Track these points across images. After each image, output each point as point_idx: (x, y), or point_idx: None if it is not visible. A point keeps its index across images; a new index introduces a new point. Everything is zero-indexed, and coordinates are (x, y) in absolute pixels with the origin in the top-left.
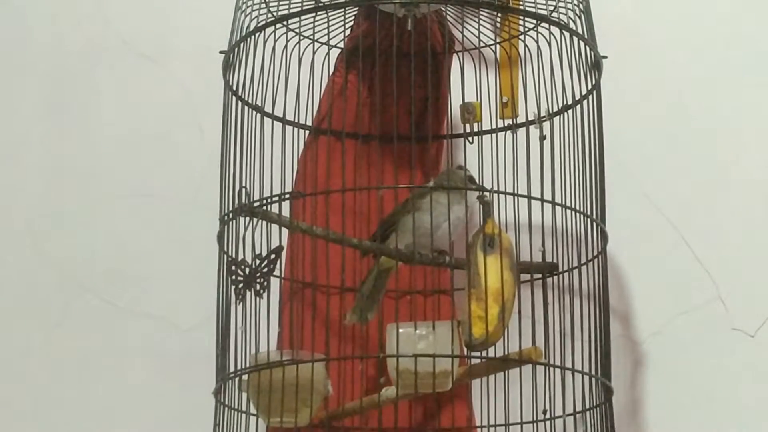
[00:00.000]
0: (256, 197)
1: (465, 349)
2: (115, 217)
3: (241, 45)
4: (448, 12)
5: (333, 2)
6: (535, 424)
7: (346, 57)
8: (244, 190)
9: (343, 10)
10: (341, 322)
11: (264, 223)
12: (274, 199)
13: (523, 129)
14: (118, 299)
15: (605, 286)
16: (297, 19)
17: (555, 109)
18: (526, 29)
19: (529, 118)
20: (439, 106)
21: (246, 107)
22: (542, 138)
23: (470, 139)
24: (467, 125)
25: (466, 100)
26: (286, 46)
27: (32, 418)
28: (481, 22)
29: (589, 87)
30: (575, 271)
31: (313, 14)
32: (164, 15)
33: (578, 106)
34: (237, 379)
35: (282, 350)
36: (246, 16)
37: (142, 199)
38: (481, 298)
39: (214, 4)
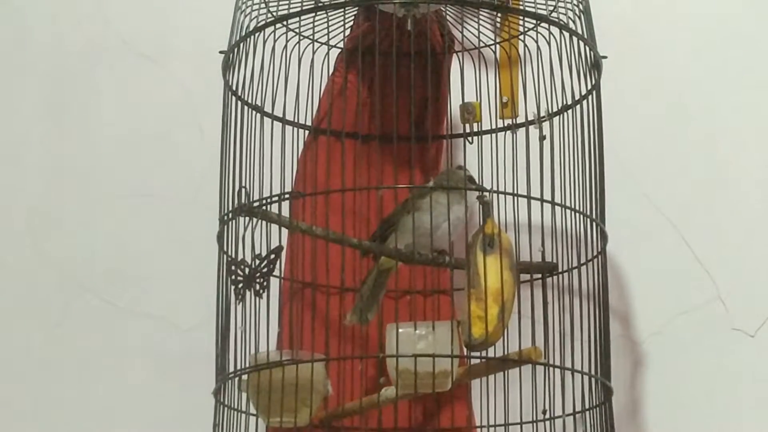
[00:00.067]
0: (256, 197)
1: (465, 349)
2: (115, 217)
3: (241, 45)
4: (447, 12)
5: (333, 2)
6: (534, 424)
7: (345, 57)
8: (243, 190)
9: (343, 10)
10: (341, 322)
11: (264, 223)
12: (274, 199)
13: (523, 129)
14: (118, 299)
15: (605, 286)
16: (297, 19)
17: (555, 109)
18: (526, 29)
19: (529, 118)
20: (439, 106)
21: (246, 107)
22: (542, 138)
23: (470, 139)
24: (467, 125)
25: (465, 100)
26: (285, 46)
27: (32, 418)
28: (481, 22)
29: (589, 87)
30: (575, 271)
31: (313, 14)
32: (164, 15)
33: (578, 106)
34: (237, 379)
35: (282, 350)
36: (246, 16)
37: (142, 199)
38: (481, 298)
39: (214, 4)
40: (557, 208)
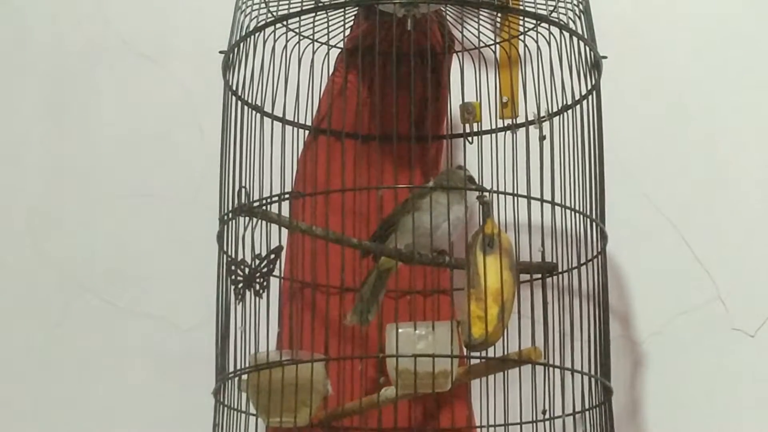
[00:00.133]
0: (256, 197)
1: (464, 349)
2: (115, 217)
3: (241, 45)
4: (447, 12)
5: (333, 2)
6: (534, 424)
7: (345, 57)
8: (243, 190)
9: (342, 10)
10: (341, 322)
11: (264, 223)
12: (274, 199)
13: (523, 129)
14: (118, 299)
15: (605, 286)
16: (297, 19)
17: (555, 109)
18: (526, 29)
19: (529, 118)
20: (439, 106)
21: (246, 107)
22: (542, 138)
23: (470, 139)
24: (467, 125)
25: (465, 100)
26: (285, 46)
27: (32, 418)
28: (481, 22)
29: (589, 87)
30: (575, 272)
31: (313, 14)
32: (164, 15)
33: (578, 107)
34: (237, 379)
35: (282, 350)
36: (246, 16)
37: (142, 199)
38: (481, 298)
39: (214, 4)
40: (557, 208)
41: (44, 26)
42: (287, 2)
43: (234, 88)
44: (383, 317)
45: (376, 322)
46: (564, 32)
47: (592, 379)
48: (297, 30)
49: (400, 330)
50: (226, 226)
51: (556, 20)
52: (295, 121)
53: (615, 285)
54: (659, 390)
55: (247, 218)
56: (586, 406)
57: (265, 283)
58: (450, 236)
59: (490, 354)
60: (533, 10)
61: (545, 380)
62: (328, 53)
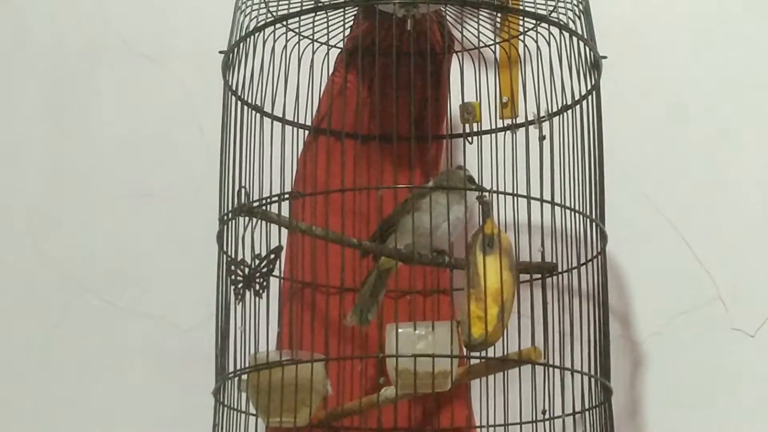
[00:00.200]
0: (256, 197)
1: (464, 349)
2: (115, 217)
3: (241, 45)
4: (447, 12)
5: (333, 2)
6: (534, 424)
7: (345, 57)
8: (243, 190)
9: (342, 10)
10: (341, 322)
11: (264, 223)
12: (274, 199)
13: (523, 129)
14: (118, 299)
15: (605, 286)
16: (297, 19)
17: (554, 109)
18: (526, 29)
19: (529, 119)
20: (439, 106)
21: (245, 107)
22: (542, 138)
23: (470, 139)
24: (467, 125)
25: (465, 100)
26: (285, 46)
27: (32, 418)
28: (481, 22)
29: (589, 87)
30: (575, 272)
31: (313, 14)
32: (164, 15)
33: (578, 107)
34: (236, 379)
35: (281, 350)
36: (245, 16)
37: (142, 199)
38: (481, 298)
39: (214, 4)
40: (557, 209)
41: (44, 26)
42: (287, 2)
43: (234, 88)
44: (383, 317)
45: (375, 322)
46: (564, 32)
47: (592, 379)
48: (297, 30)
49: (399, 330)
50: (226, 226)
51: (556, 20)
52: (295, 121)
53: (615, 285)
54: (659, 390)
55: (246, 218)
56: (586, 406)
57: (264, 283)
58: (450, 236)
59: (490, 354)
60: (533, 10)
61: (545, 380)
62: (327, 53)
